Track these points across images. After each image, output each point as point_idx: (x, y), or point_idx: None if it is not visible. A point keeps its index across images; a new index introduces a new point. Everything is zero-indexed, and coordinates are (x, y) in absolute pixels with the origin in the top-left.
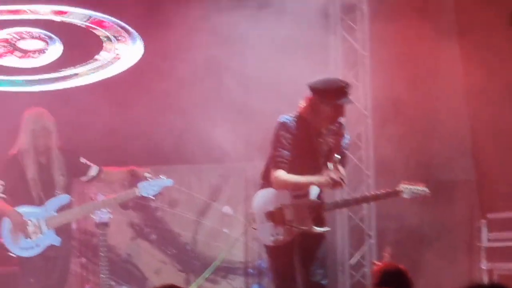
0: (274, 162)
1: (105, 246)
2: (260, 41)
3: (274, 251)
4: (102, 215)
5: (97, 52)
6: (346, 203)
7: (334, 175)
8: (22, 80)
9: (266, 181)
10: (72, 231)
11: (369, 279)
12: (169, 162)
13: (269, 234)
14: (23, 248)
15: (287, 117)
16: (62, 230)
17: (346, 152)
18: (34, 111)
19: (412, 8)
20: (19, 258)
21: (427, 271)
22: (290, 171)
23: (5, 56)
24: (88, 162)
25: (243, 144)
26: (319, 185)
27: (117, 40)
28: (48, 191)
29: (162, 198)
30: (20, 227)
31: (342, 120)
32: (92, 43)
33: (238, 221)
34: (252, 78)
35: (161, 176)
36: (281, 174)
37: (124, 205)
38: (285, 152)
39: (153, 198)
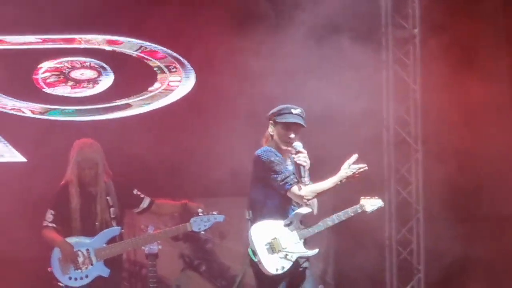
0: (285, 183)
1: (154, 277)
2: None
3: (270, 280)
4: (152, 246)
5: (151, 83)
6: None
7: (352, 166)
8: (74, 109)
9: (257, 211)
10: (122, 262)
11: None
12: (218, 195)
13: (273, 264)
14: (73, 278)
15: (264, 147)
16: (111, 261)
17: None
18: (81, 141)
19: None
20: None
21: None
22: (275, 195)
23: (58, 85)
24: (141, 194)
25: None
26: (346, 179)
27: (170, 71)
28: (93, 222)
29: (212, 231)
30: (70, 257)
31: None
32: (144, 73)
33: None
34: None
35: (213, 212)
36: (304, 188)
37: (174, 237)
38: (286, 172)
39: (203, 232)
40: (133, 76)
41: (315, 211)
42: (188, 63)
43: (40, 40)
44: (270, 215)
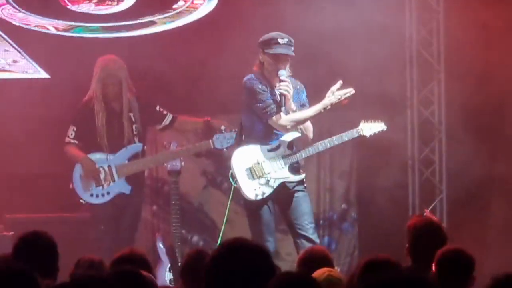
0: (266, 112)
1: (176, 194)
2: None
3: (255, 204)
4: (174, 162)
5: (175, 1)
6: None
7: (337, 92)
8: (98, 26)
9: (246, 136)
10: (144, 179)
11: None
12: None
13: (252, 189)
14: (94, 195)
15: (250, 75)
16: (133, 178)
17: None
18: (104, 58)
19: None
20: (90, 205)
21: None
22: (261, 121)
23: (81, 3)
24: (163, 110)
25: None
26: (331, 106)
27: None
28: (117, 138)
29: (234, 148)
30: (92, 174)
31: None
32: None
33: (311, 172)
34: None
35: (235, 130)
36: (283, 117)
37: (197, 154)
38: (270, 99)
39: (226, 149)
40: None
41: (310, 136)
42: None
43: None
44: (257, 140)
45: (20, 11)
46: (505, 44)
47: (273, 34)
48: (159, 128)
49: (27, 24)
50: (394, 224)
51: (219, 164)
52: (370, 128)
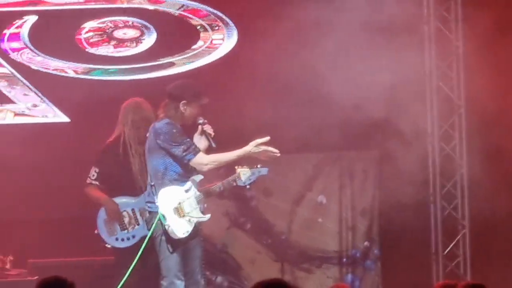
0: (188, 153)
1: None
2: (348, 27)
3: (179, 245)
4: None
5: (194, 41)
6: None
7: (261, 146)
8: (117, 69)
9: (157, 181)
10: None
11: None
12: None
13: (180, 227)
14: (119, 239)
15: (165, 120)
16: None
17: None
18: (133, 101)
19: None
20: (114, 249)
21: None
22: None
23: (100, 45)
24: None
25: (338, 133)
26: (253, 155)
27: (212, 29)
28: (140, 181)
29: (257, 188)
30: (116, 217)
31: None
32: (187, 32)
33: (332, 211)
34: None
35: (257, 166)
36: (205, 157)
37: (219, 194)
38: (188, 141)
39: (248, 187)
40: (175, 35)
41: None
42: (230, 21)
43: (83, 0)
44: (170, 183)
45: (39, 55)
46: None
47: (192, 83)
48: None
49: (46, 68)
50: (417, 260)
51: (241, 204)
52: (243, 173)
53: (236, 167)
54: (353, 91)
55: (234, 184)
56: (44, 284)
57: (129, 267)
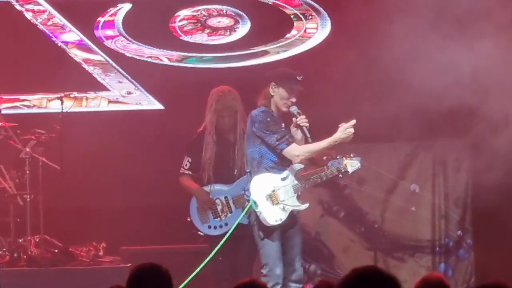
0: (282, 142)
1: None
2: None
3: (271, 231)
4: None
5: (288, 30)
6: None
7: (348, 130)
8: (211, 57)
9: (253, 169)
10: None
11: None
12: (357, 140)
13: (272, 214)
14: (212, 227)
15: (261, 108)
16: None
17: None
18: (219, 89)
19: None
20: (207, 236)
21: None
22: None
23: (194, 33)
24: None
25: (429, 121)
26: (341, 141)
27: (306, 18)
28: (230, 169)
29: (350, 176)
30: (207, 205)
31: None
32: (280, 20)
33: (425, 199)
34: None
35: (350, 155)
36: (298, 147)
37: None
38: (282, 132)
39: (341, 176)
40: (269, 23)
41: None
42: (324, 11)
43: None
44: (266, 171)
45: (134, 43)
46: None
47: (288, 69)
48: None
49: (140, 56)
50: (511, 250)
51: (335, 193)
52: (351, 165)
53: (343, 157)
54: (441, 79)
55: (340, 175)
56: (139, 270)
57: (220, 255)
